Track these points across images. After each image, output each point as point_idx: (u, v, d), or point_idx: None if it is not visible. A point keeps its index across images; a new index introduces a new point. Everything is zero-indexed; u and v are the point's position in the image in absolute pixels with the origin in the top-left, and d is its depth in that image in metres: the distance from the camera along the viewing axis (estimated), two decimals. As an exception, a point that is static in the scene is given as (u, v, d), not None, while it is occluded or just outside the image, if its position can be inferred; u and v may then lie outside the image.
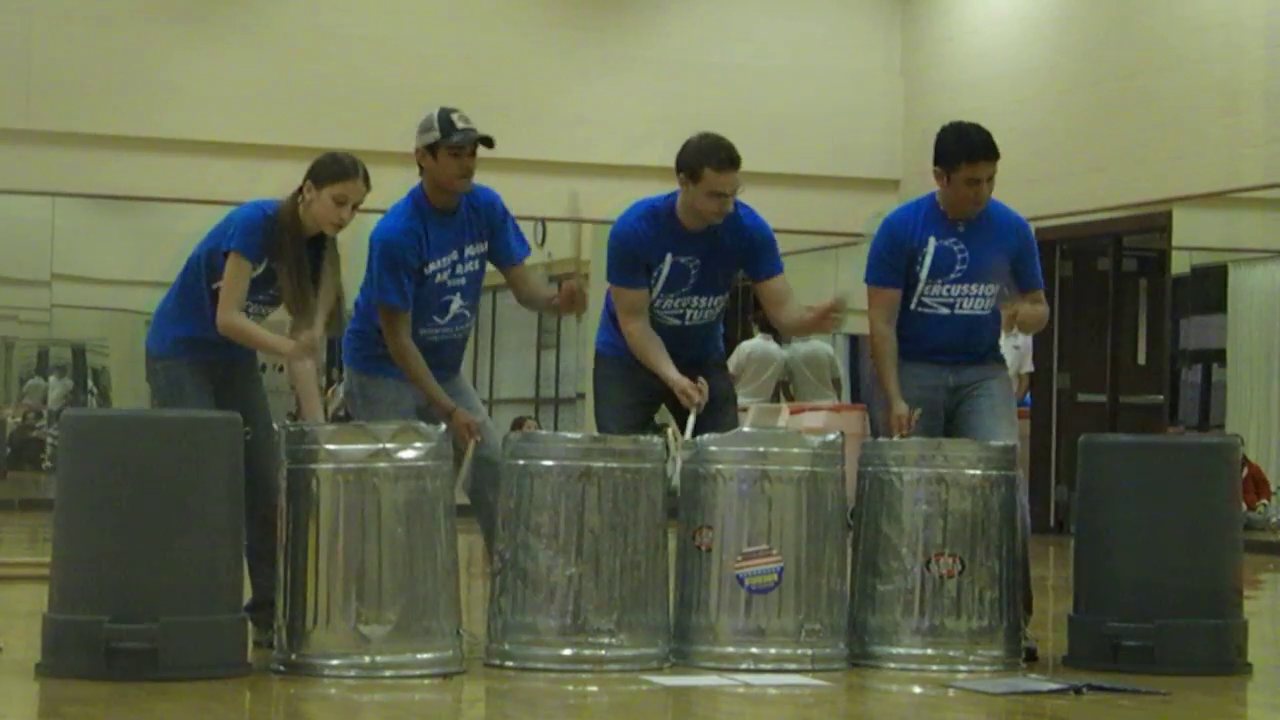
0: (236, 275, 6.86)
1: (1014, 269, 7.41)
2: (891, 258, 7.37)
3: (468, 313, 7.29)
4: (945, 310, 7.34)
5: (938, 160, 7.29)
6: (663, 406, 7.45)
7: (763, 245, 7.41)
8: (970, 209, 7.30)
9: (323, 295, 6.96)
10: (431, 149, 7.08)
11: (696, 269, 7.33)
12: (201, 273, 6.97)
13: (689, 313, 7.39)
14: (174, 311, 7.08)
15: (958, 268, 7.31)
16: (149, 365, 7.09)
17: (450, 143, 7.05)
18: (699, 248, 7.31)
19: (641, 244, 7.30)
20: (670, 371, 7.24)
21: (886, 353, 7.33)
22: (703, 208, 7.22)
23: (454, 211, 7.19)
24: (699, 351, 7.46)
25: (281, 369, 7.12)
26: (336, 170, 6.89)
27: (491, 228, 7.27)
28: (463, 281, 7.23)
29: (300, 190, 6.91)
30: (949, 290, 7.33)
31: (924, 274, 7.32)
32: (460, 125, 7.06)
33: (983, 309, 7.37)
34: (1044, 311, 7.48)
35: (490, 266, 7.35)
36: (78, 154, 16.37)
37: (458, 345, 7.36)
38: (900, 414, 7.23)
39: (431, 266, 7.16)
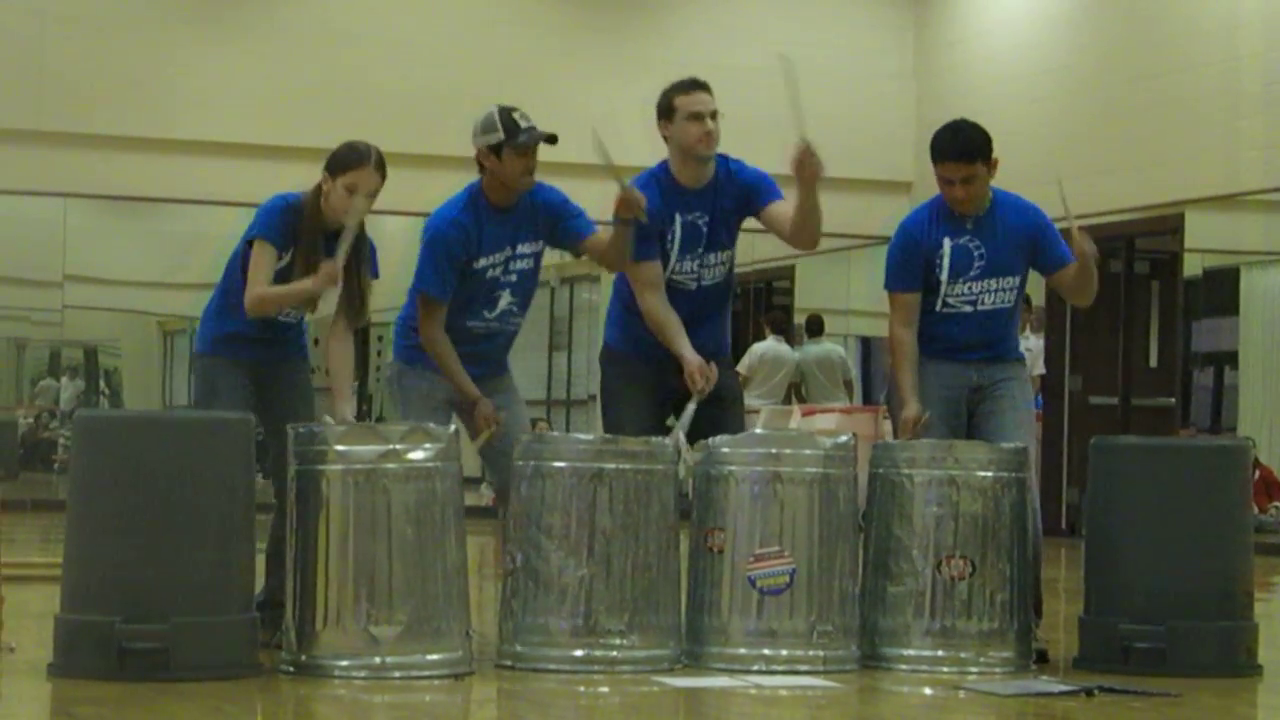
0: (260, 259, 6.90)
1: (1035, 256, 7.39)
2: (909, 262, 7.36)
3: (516, 309, 7.30)
4: (968, 308, 7.35)
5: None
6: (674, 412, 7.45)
7: (757, 181, 7.44)
8: (956, 208, 7.32)
9: (357, 286, 7.00)
10: (495, 149, 7.10)
11: (706, 225, 7.35)
12: (237, 270, 7.02)
13: (704, 272, 7.39)
14: (216, 310, 7.14)
15: (976, 264, 7.32)
16: (191, 363, 7.15)
17: (516, 143, 7.08)
18: (703, 203, 7.35)
19: (651, 212, 7.31)
20: (686, 350, 7.22)
21: (904, 355, 7.33)
22: (686, 139, 7.27)
23: (511, 208, 7.21)
24: (710, 334, 7.43)
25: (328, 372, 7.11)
26: (349, 159, 6.93)
27: (553, 221, 7.29)
28: (514, 278, 7.25)
29: (321, 183, 6.94)
30: (970, 288, 7.33)
31: (944, 275, 7.32)
32: (524, 125, 7.10)
33: (1005, 302, 7.38)
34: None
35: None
36: (90, 155, 16.40)
37: (503, 341, 7.35)
38: (910, 415, 7.23)
39: (482, 261, 7.18)
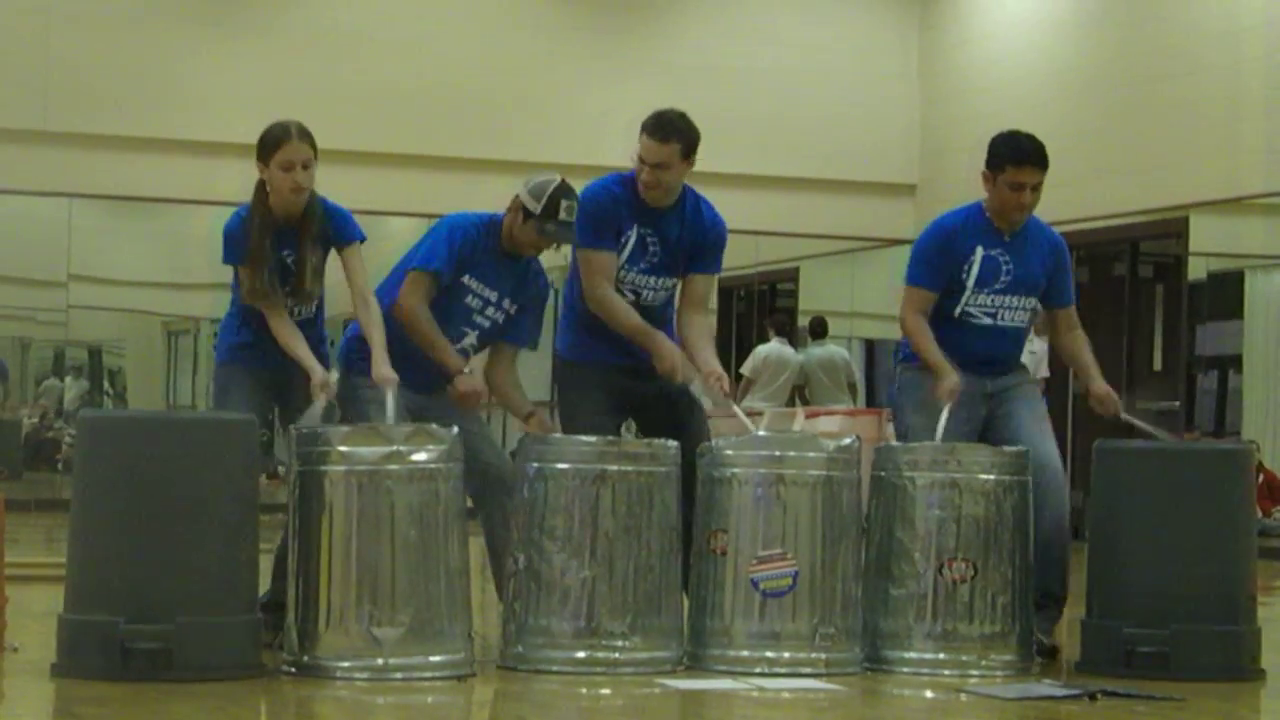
0: (240, 281, 7.00)
1: (1048, 285, 7.44)
2: (939, 261, 7.36)
3: (472, 352, 7.29)
4: (988, 320, 7.36)
5: (987, 164, 7.33)
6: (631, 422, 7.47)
7: (713, 242, 7.43)
8: (1014, 215, 7.31)
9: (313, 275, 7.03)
10: (527, 214, 7.08)
11: (656, 247, 7.33)
12: (236, 284, 7.10)
13: (645, 292, 7.37)
14: (229, 320, 7.21)
15: (1003, 278, 7.33)
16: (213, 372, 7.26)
17: (542, 229, 7.06)
18: (660, 226, 7.31)
19: (613, 205, 7.27)
20: (649, 329, 7.19)
21: (924, 334, 7.32)
22: (638, 172, 7.23)
23: (516, 260, 7.22)
24: None
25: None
26: (272, 140, 6.96)
27: (526, 304, 7.29)
28: (486, 324, 7.25)
29: (261, 179, 6.98)
30: (993, 300, 7.34)
31: (970, 283, 7.33)
32: (564, 217, 7.04)
33: (1021, 321, 7.42)
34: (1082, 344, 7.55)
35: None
36: (95, 155, 16.41)
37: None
38: (955, 385, 7.19)
39: (470, 282, 7.16)
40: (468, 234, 7.14)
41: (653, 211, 7.30)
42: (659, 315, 7.42)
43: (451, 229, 7.16)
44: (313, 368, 6.91)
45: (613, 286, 7.27)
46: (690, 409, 7.38)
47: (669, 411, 7.30)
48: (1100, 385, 7.52)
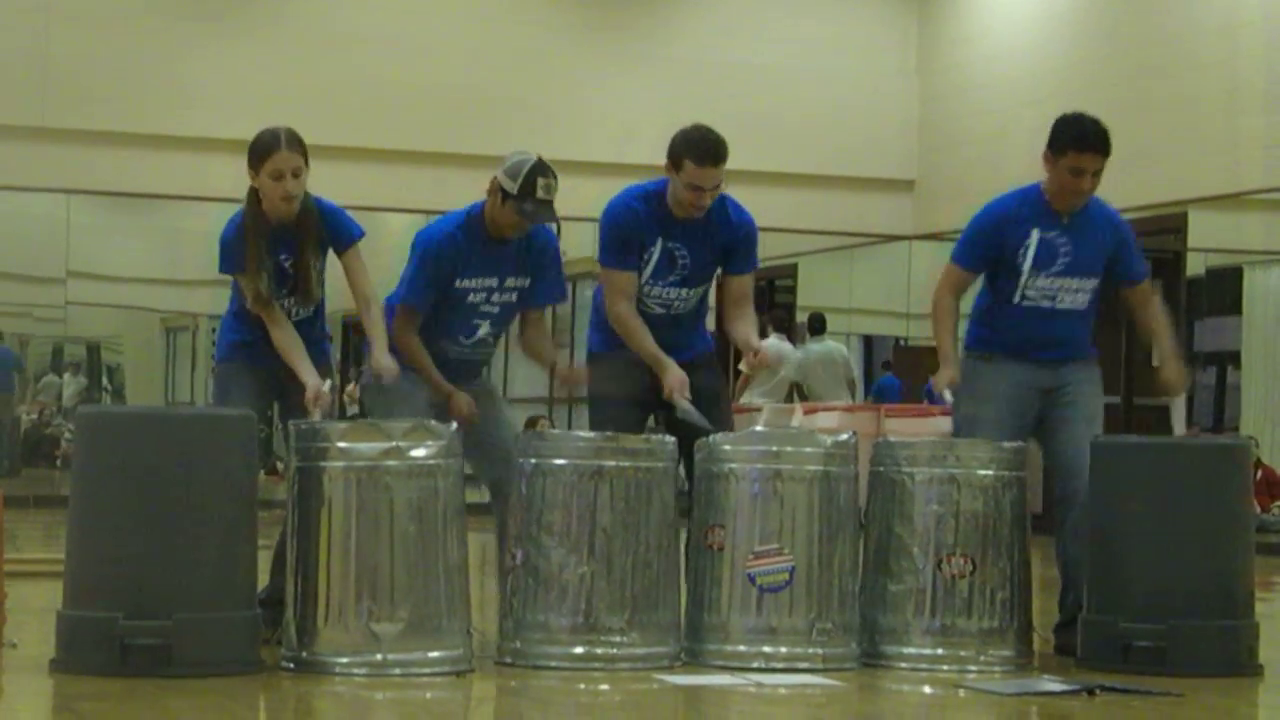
0: (244, 287, 6.98)
1: (1111, 265, 7.41)
2: (984, 242, 7.34)
3: (491, 339, 7.32)
4: (1047, 304, 7.34)
5: (1049, 145, 7.32)
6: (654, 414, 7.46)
7: (744, 241, 7.39)
8: (1070, 199, 7.30)
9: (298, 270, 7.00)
10: (505, 195, 7.09)
11: (684, 258, 7.30)
12: (236, 286, 7.10)
13: (675, 303, 7.35)
14: (228, 319, 7.21)
15: (1060, 260, 7.32)
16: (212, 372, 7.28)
17: (520, 209, 7.06)
18: (687, 237, 7.28)
19: (636, 223, 7.25)
20: (660, 354, 7.19)
21: (947, 317, 7.34)
22: (681, 199, 7.19)
23: (505, 241, 7.21)
24: (689, 343, 7.41)
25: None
26: (261, 148, 6.91)
27: (539, 268, 7.30)
28: (495, 310, 7.26)
29: (252, 185, 6.95)
30: (1051, 283, 7.32)
31: (1026, 266, 7.31)
32: (541, 196, 7.04)
33: (1081, 304, 7.38)
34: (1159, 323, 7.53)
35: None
36: (93, 152, 16.43)
37: (475, 366, 7.37)
38: (952, 379, 7.24)
39: (465, 284, 7.17)
40: (442, 249, 7.14)
41: (679, 223, 7.26)
42: (689, 320, 7.43)
43: (423, 256, 7.16)
44: (308, 380, 6.90)
45: (634, 302, 7.27)
46: (713, 404, 7.37)
47: (695, 406, 7.27)
48: (1168, 369, 7.44)
